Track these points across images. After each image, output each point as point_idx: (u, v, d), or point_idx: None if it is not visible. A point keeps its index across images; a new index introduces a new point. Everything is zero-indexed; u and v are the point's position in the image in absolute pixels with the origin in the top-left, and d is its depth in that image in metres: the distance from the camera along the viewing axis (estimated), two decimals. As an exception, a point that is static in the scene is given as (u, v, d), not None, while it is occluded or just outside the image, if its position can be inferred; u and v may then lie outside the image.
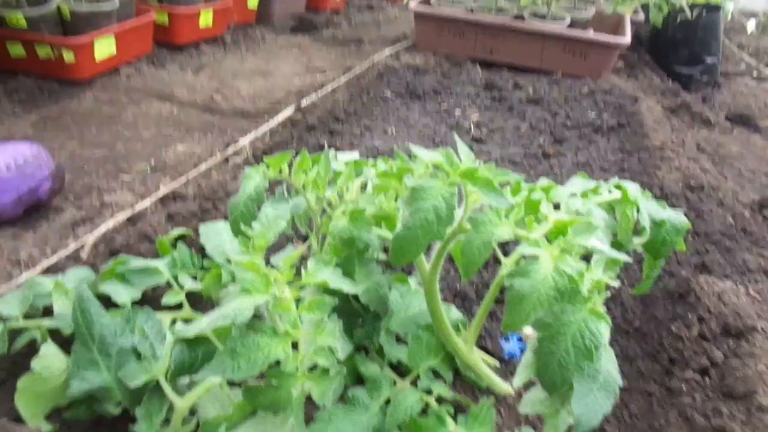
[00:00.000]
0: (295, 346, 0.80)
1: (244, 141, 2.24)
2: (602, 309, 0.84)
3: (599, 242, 0.92)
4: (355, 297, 1.01)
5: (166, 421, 0.91)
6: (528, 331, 1.48)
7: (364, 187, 1.13)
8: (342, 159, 1.27)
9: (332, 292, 0.89)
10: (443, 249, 0.98)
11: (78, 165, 2.31)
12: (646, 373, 1.28)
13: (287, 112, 2.57)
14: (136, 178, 2.20)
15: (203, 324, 0.86)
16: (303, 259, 1.11)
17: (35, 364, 0.89)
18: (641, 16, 4.13)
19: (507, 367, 1.33)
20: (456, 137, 0.97)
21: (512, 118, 2.70)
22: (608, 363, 0.86)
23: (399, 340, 1.20)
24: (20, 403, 0.90)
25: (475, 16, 3.56)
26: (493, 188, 0.83)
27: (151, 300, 1.22)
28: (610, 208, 1.19)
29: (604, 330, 0.83)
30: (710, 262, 1.57)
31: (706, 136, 3.10)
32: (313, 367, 0.84)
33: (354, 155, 1.34)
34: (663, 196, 1.91)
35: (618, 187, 1.20)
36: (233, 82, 3.47)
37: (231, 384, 0.93)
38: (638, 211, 1.14)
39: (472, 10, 3.67)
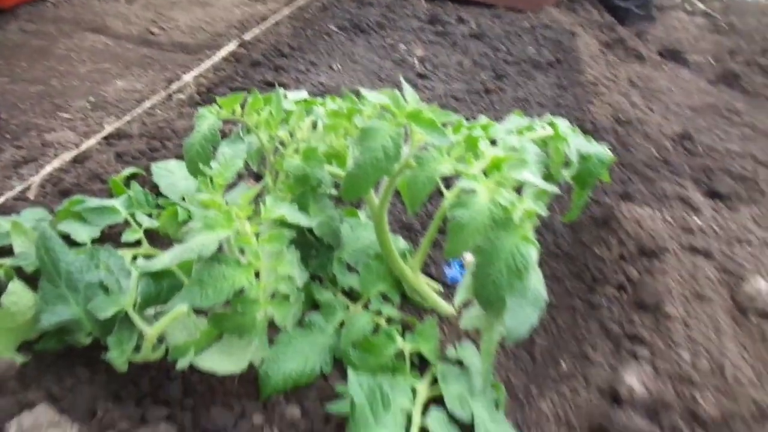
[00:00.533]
0: (257, 275, 0.88)
1: (188, 77, 2.21)
2: (532, 235, 0.95)
3: (531, 175, 1.02)
4: (310, 230, 1.09)
5: (137, 348, 0.97)
6: (468, 257, 1.60)
7: (314, 126, 1.18)
8: (291, 98, 1.31)
9: (289, 226, 0.96)
10: (390, 185, 1.06)
11: (11, 102, 2.25)
12: (572, 291, 1.42)
13: (230, 46, 2.54)
14: (76, 116, 2.17)
15: (168, 258, 0.92)
16: (258, 197, 1.16)
17: (4, 299, 0.93)
18: (582, -51, 4.16)
19: (450, 290, 1.44)
20: (402, 79, 1.03)
21: (455, 54, 2.75)
22: (536, 282, 0.97)
23: (350, 269, 1.30)
24: (-7, 338, 0.95)
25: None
26: (436, 128, 0.91)
27: (108, 238, 1.25)
28: (543, 143, 1.29)
29: (532, 253, 0.94)
30: (632, 191, 1.72)
31: (639, 70, 3.24)
32: (273, 295, 0.92)
33: (303, 94, 1.38)
34: (594, 130, 2.04)
35: (550, 123, 1.30)
36: (170, 13, 3.36)
37: (197, 312, 1.00)
38: (561, 144, 1.24)
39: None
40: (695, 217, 1.65)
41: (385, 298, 1.22)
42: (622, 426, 1.01)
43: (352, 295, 1.25)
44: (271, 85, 2.30)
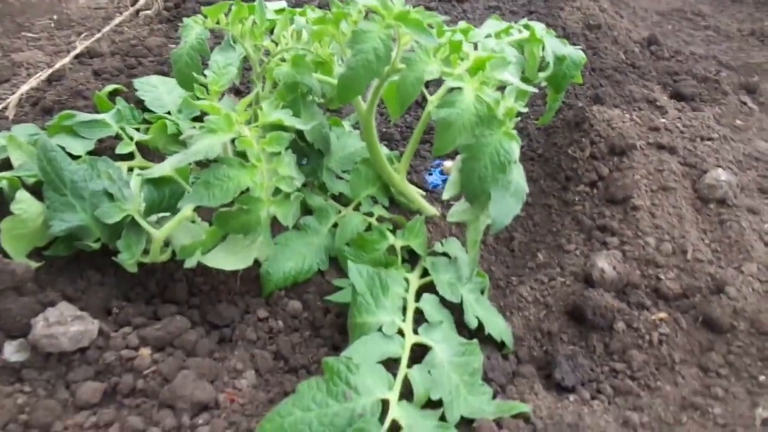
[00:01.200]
0: (259, 175, 0.93)
1: (155, -9, 2.15)
2: (513, 131, 1.01)
3: (511, 76, 1.07)
4: (301, 137, 1.13)
5: (145, 251, 1.03)
6: (448, 164, 1.67)
7: (297, 34, 1.20)
8: (271, 7, 1.31)
9: (284, 131, 1.00)
10: (378, 88, 1.10)
11: (-30, 22, 2.16)
12: (547, 190, 1.51)
13: (195, -42, 2.45)
14: (41, 35, 2.10)
15: (175, 161, 0.96)
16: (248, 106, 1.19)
17: (14, 208, 0.97)
18: None
19: (432, 195, 1.52)
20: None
21: (425, -38, 2.70)
22: (518, 176, 1.05)
23: (337, 177, 1.35)
24: (6, 244, 0.99)
25: None
26: (423, 29, 0.94)
27: (100, 152, 1.28)
28: (519, 46, 1.33)
29: (515, 148, 1.00)
30: (603, 94, 1.78)
31: (607, -24, 3.24)
32: (275, 193, 0.97)
33: (282, 3, 1.38)
34: (565, 35, 2.08)
35: (526, 27, 1.34)
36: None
37: (200, 217, 1.05)
38: (543, 48, 1.29)
39: None
40: (661, 117, 1.73)
41: (374, 200, 1.28)
42: (594, 303, 1.12)
43: (341, 200, 1.31)
44: (240, -2, 2.26)
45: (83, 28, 2.14)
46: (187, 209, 0.99)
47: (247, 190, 0.91)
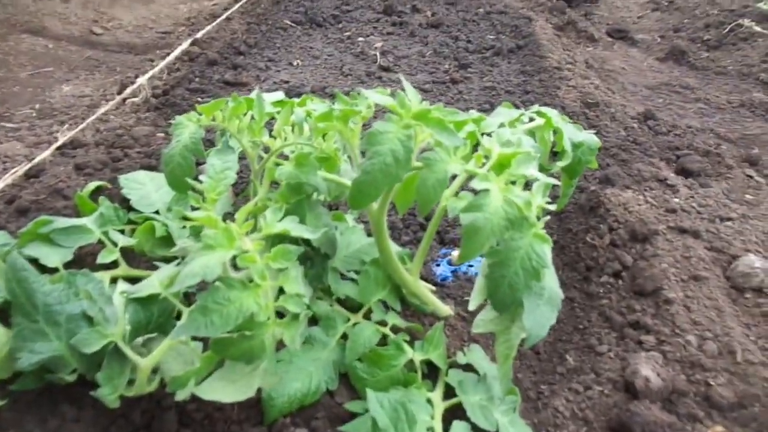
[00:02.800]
0: (264, 296, 0.81)
1: (142, 80, 2.09)
2: (544, 233, 0.91)
3: (536, 171, 0.98)
4: (306, 240, 1.02)
5: (129, 381, 0.89)
6: (455, 254, 1.57)
7: (299, 128, 1.11)
8: (268, 99, 1.23)
9: (290, 240, 0.89)
10: (391, 187, 1.00)
11: (-53, 113, 2.07)
12: (567, 281, 1.40)
13: (183, 45, 2.41)
14: (22, 125, 2.02)
15: (159, 279, 0.84)
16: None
17: (-24, 341, 0.84)
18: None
19: (442, 290, 1.40)
20: (403, 79, 0.96)
21: (415, 44, 2.70)
22: (551, 280, 0.94)
23: (342, 277, 1.23)
24: (-37, 384, 0.85)
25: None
26: (445, 128, 0.86)
27: (80, 261, 1.15)
28: (532, 134, 1.26)
29: (547, 251, 0.90)
30: (612, 175, 1.71)
31: (592, 52, 3.28)
32: (279, 313, 0.85)
33: (279, 95, 1.31)
34: (565, 114, 2.03)
35: (539, 113, 1.27)
36: (112, 11, 3.18)
37: (194, 338, 0.92)
38: (558, 135, 1.22)
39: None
40: (674, 197, 1.66)
41: (385, 305, 1.16)
42: (642, 420, 0.99)
43: (347, 305, 1.19)
44: (230, 84, 2.20)
45: (66, 117, 2.06)
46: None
47: (251, 313, 0.78)
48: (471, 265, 1.54)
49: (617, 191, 1.56)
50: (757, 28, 3.50)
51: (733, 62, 3.38)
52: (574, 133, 1.26)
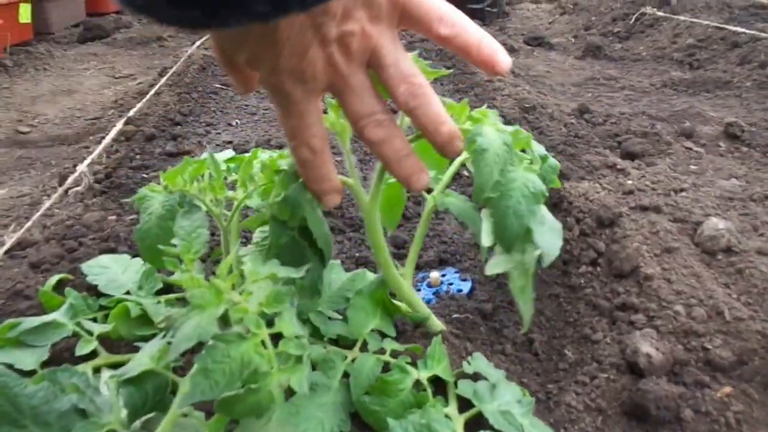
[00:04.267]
0: (263, 344, 0.78)
1: (82, 167, 2.04)
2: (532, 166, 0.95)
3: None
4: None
5: (135, 469, 0.84)
6: (434, 275, 1.57)
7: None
8: (220, 159, 1.22)
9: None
10: (382, 174, 1.01)
11: None
12: (548, 279, 1.42)
13: (117, 126, 2.38)
14: (-38, 236, 1.92)
15: (148, 354, 0.81)
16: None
17: (-38, 462, 0.77)
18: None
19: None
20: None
21: (348, 83, 2.74)
22: (546, 213, 0.96)
23: (330, 318, 1.21)
24: None
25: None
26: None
27: (57, 359, 1.09)
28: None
29: (539, 180, 0.93)
30: (565, 170, 1.76)
31: (516, 61, 3.40)
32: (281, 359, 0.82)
33: (229, 153, 1.31)
34: (507, 122, 2.08)
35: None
36: (35, 108, 3.12)
37: (196, 408, 0.88)
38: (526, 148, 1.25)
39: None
40: (627, 180, 1.72)
41: (379, 333, 1.15)
42: (655, 395, 0.99)
43: (340, 344, 1.17)
44: (173, 155, 2.18)
45: (8, 219, 1.98)
46: (177, 406, 0.83)
47: (254, 366, 0.75)
48: (451, 283, 1.54)
49: (574, 183, 1.61)
50: (660, 13, 3.73)
51: (646, 48, 3.57)
52: (539, 148, 1.29)
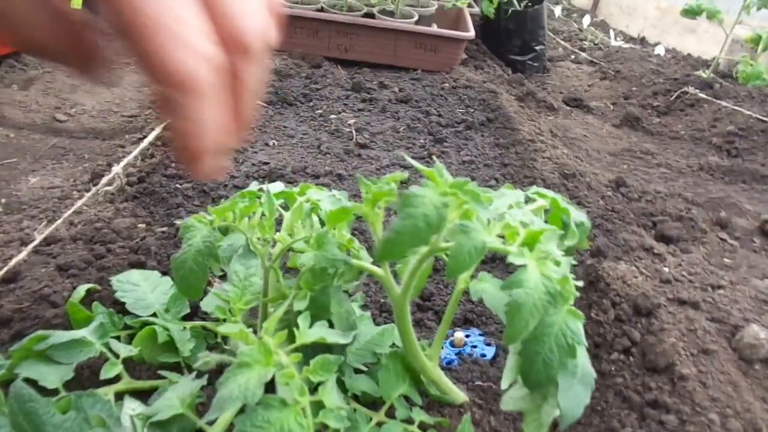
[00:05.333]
0: (303, 413, 0.76)
1: (117, 168, 2.03)
2: (577, 310, 0.91)
3: (556, 248, 0.99)
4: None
5: None
6: (459, 335, 1.54)
7: (309, 222, 1.09)
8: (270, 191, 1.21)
9: (322, 348, 0.85)
10: (416, 269, 0.98)
11: None
12: (576, 360, 1.39)
13: (156, 130, 2.38)
14: (-12, 222, 1.91)
15: (180, 396, 0.78)
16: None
17: (-20, 488, 0.75)
18: (475, 9, 4.39)
19: (449, 374, 1.36)
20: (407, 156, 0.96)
21: (388, 120, 2.74)
22: (583, 358, 0.92)
23: (356, 370, 1.18)
24: None
25: (329, 15, 3.56)
26: (481, 200, 0.86)
27: (77, 375, 1.07)
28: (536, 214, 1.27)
29: (581, 327, 0.89)
30: (602, 246, 1.74)
31: (554, 120, 3.40)
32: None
33: (279, 186, 1.29)
34: (546, 186, 2.07)
35: (539, 194, 1.29)
36: (74, 97, 3.13)
37: (219, 460, 0.85)
38: (564, 216, 1.23)
39: (322, 9, 3.65)
40: (663, 266, 1.69)
41: (406, 400, 1.12)
42: None
43: (363, 401, 1.14)
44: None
45: (36, 210, 1.97)
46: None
47: (292, 435, 0.73)
48: (474, 346, 1.51)
49: (612, 264, 1.58)
50: (702, 95, 3.73)
51: (684, 127, 3.56)
52: (576, 213, 1.28)
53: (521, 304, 0.84)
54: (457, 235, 0.89)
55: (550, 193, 1.28)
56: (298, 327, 0.82)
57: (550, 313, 0.88)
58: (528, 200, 1.28)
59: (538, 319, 0.86)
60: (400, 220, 0.84)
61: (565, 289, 0.88)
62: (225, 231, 1.18)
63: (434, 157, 1.09)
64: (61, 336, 1.02)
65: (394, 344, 1.23)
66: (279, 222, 1.13)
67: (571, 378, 0.90)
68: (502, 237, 0.95)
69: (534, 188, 1.32)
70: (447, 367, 1.42)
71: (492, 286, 1.10)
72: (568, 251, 1.34)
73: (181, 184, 2.04)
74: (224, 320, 0.82)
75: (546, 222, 1.25)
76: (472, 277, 1.12)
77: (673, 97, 3.77)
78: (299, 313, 0.93)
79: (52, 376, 0.97)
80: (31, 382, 0.96)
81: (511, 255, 0.89)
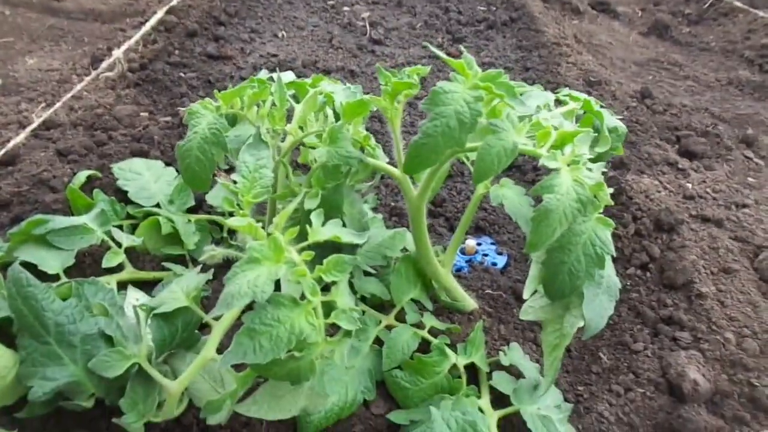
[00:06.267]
0: (315, 312, 0.72)
1: (118, 52, 1.92)
2: (607, 218, 0.85)
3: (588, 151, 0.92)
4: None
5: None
6: (470, 242, 1.50)
7: (323, 115, 1.01)
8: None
9: (332, 246, 0.80)
10: (435, 171, 0.92)
11: None
12: (590, 272, 1.35)
13: (159, 14, 2.24)
14: (-15, 103, 1.83)
15: (184, 289, 0.74)
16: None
17: (-21, 368, 0.72)
18: None
19: (460, 281, 1.33)
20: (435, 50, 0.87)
21: (404, 15, 2.58)
22: (609, 268, 0.88)
23: (365, 273, 1.15)
24: (-36, 416, 0.74)
25: None
26: (515, 93, 0.78)
27: (80, 265, 1.04)
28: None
29: (609, 237, 0.85)
30: (626, 159, 1.66)
31: (578, 25, 3.21)
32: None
33: (290, 76, 1.20)
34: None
35: (572, 97, 1.20)
36: (72, -25, 2.94)
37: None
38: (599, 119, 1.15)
39: None
40: (687, 182, 1.62)
41: (416, 304, 1.09)
42: (694, 426, 0.95)
43: (371, 303, 1.11)
44: (213, 57, 2.05)
45: (35, 93, 1.88)
46: (208, 351, 0.77)
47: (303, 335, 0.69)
48: (486, 254, 1.48)
49: (636, 177, 1.51)
50: (737, 3, 3.50)
51: (716, 38, 3.37)
52: (609, 118, 1.19)
53: (550, 210, 0.78)
54: (485, 135, 0.82)
55: (582, 96, 1.19)
56: (308, 225, 0.76)
57: (579, 221, 0.82)
58: (557, 103, 1.20)
59: (566, 227, 0.81)
60: (428, 120, 0.77)
61: (599, 196, 0.82)
62: (232, 121, 1.10)
63: (461, 47, 1.00)
64: (61, 221, 0.98)
65: (405, 248, 1.19)
66: (289, 115, 1.05)
67: (596, 288, 0.86)
68: (532, 138, 0.88)
69: (565, 90, 1.23)
70: (457, 274, 1.38)
71: (514, 192, 1.04)
72: (598, 158, 1.27)
73: (185, 73, 1.93)
74: (231, 213, 0.77)
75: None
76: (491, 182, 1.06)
77: (707, 5, 3.54)
78: (309, 211, 0.88)
79: (53, 262, 0.94)
80: (31, 267, 0.92)
81: (542, 158, 0.82)
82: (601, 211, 0.86)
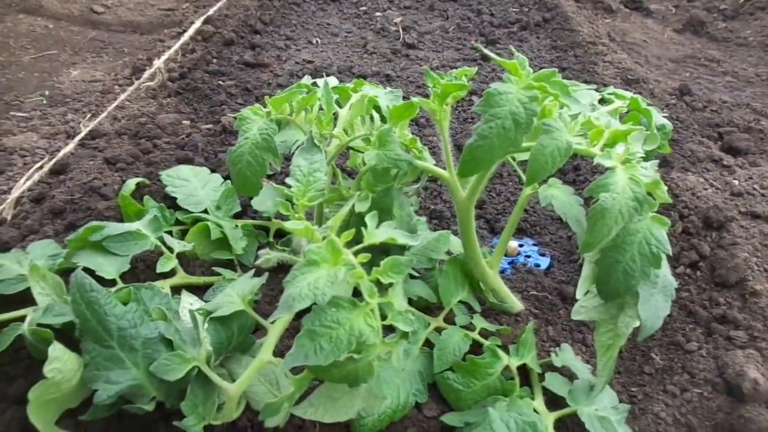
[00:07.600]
0: (372, 314, 0.72)
1: (159, 62, 1.96)
2: (663, 217, 0.84)
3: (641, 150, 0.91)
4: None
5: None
6: (513, 244, 1.49)
7: (370, 119, 1.02)
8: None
9: (379, 247, 0.80)
10: (486, 172, 0.92)
11: (-52, 103, 1.94)
12: (638, 272, 1.33)
13: (196, 24, 2.28)
14: (33, 114, 1.89)
15: (240, 293, 0.75)
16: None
17: (48, 370, 0.74)
18: None
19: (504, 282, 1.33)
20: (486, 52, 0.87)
21: (436, 19, 2.58)
22: (664, 267, 0.87)
23: (411, 276, 1.15)
24: (33, 413, 0.76)
25: None
26: (569, 93, 0.78)
27: (135, 271, 1.06)
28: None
29: (665, 235, 0.83)
30: (669, 156, 1.64)
31: (612, 24, 3.17)
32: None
33: (332, 81, 1.21)
34: (608, 92, 1.94)
35: (617, 95, 1.18)
36: (110, -11, 3.01)
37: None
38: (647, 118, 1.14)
39: None
40: (733, 179, 1.59)
41: (465, 305, 1.09)
42: (757, 427, 0.92)
43: (417, 305, 1.11)
44: (251, 65, 2.08)
45: (80, 104, 1.93)
46: (265, 353, 0.78)
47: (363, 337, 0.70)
48: (528, 256, 1.47)
49: (681, 175, 1.49)
50: (777, -4, 3.41)
51: (753, 33, 3.29)
52: (657, 116, 1.18)
53: (606, 209, 0.77)
54: (536, 135, 0.81)
55: (628, 94, 1.18)
56: (360, 227, 0.77)
57: (634, 219, 0.81)
58: (603, 101, 1.19)
59: (621, 226, 0.80)
60: (483, 122, 0.77)
61: (655, 194, 0.81)
62: (278, 126, 1.12)
63: (512, 47, 0.99)
64: (116, 228, 1.00)
65: (449, 251, 1.19)
66: (333, 119, 1.06)
67: (651, 288, 0.85)
68: (584, 137, 0.88)
69: (610, 88, 1.22)
70: (500, 276, 1.38)
71: (562, 192, 1.03)
72: (646, 156, 1.25)
73: (224, 81, 1.96)
74: (285, 217, 0.77)
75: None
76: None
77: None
78: (359, 214, 0.89)
79: (109, 267, 0.96)
80: (89, 272, 0.95)
81: (596, 157, 0.81)
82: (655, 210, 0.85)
